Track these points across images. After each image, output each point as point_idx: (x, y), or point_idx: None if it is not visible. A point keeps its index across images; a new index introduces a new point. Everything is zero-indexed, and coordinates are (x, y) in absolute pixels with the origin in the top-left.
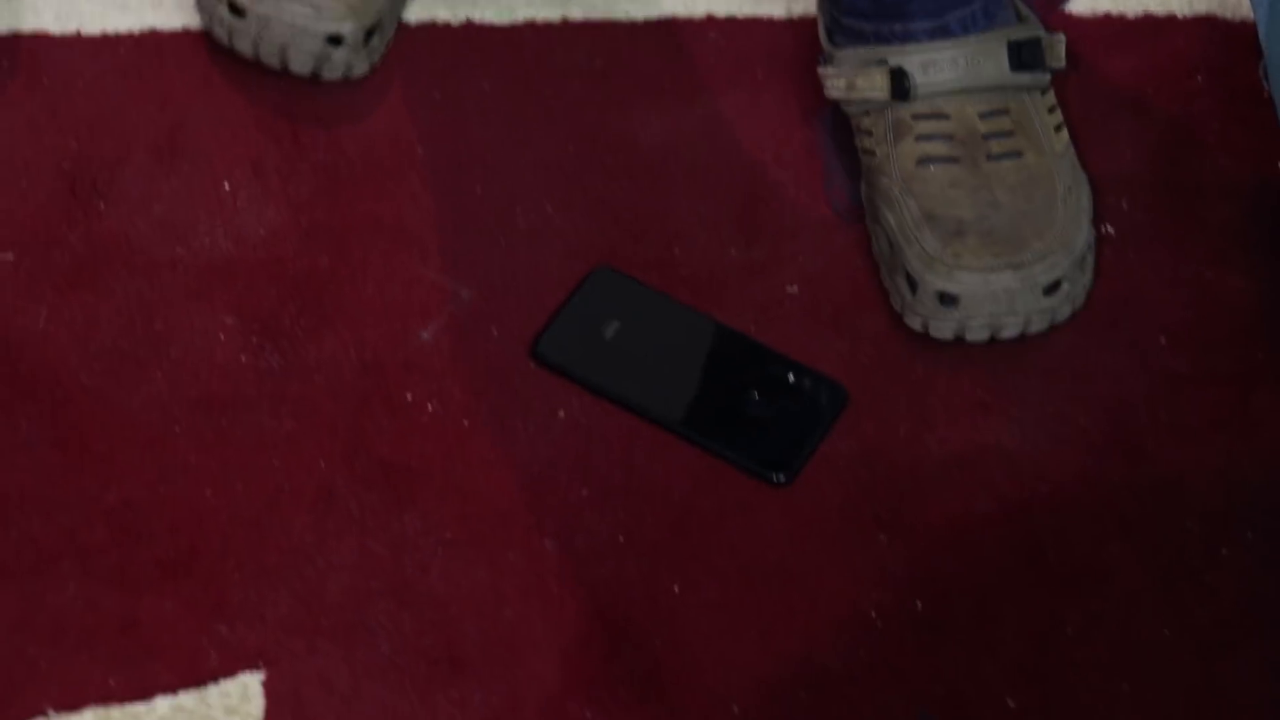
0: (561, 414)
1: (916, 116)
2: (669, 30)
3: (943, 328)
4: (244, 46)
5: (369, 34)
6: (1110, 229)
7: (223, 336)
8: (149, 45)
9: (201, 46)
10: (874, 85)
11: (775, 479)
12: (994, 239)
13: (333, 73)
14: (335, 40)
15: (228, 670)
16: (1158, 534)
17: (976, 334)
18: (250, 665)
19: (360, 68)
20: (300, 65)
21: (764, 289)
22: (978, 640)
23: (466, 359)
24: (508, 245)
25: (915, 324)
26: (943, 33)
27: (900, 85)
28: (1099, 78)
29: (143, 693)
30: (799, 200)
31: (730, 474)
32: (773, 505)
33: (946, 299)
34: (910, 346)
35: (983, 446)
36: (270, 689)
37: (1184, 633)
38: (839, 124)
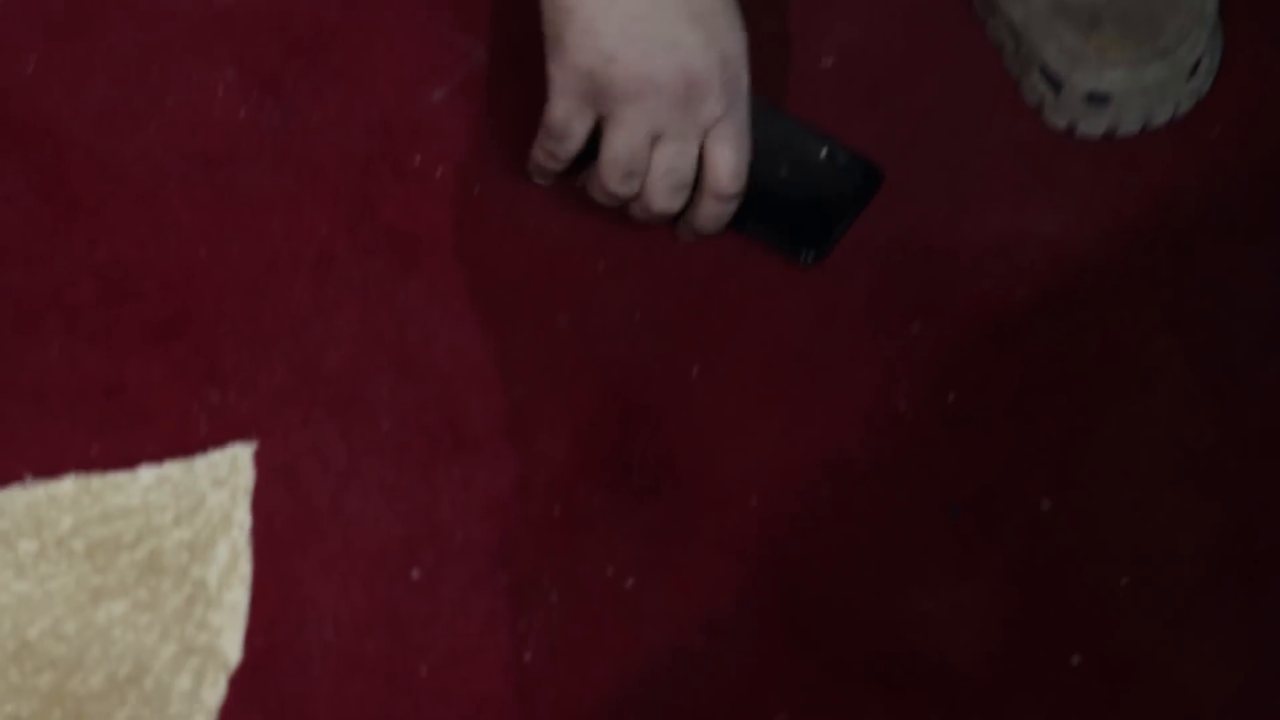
0: (580, 182)
1: None
2: None
3: (1094, 126)
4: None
5: None
6: None
7: (222, 90)
8: None
9: None
10: None
11: (803, 259)
12: (1131, 23)
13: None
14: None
15: (217, 440)
16: (1205, 334)
17: (1129, 128)
18: (241, 435)
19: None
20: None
21: (797, 60)
22: (1012, 437)
23: (481, 122)
24: (529, 1)
25: (1060, 123)
26: None
27: None
28: None
29: (126, 460)
30: None
31: (756, 254)
32: (800, 288)
33: (1096, 98)
34: (950, 125)
35: (1024, 232)
36: (262, 461)
37: (1229, 437)
38: None
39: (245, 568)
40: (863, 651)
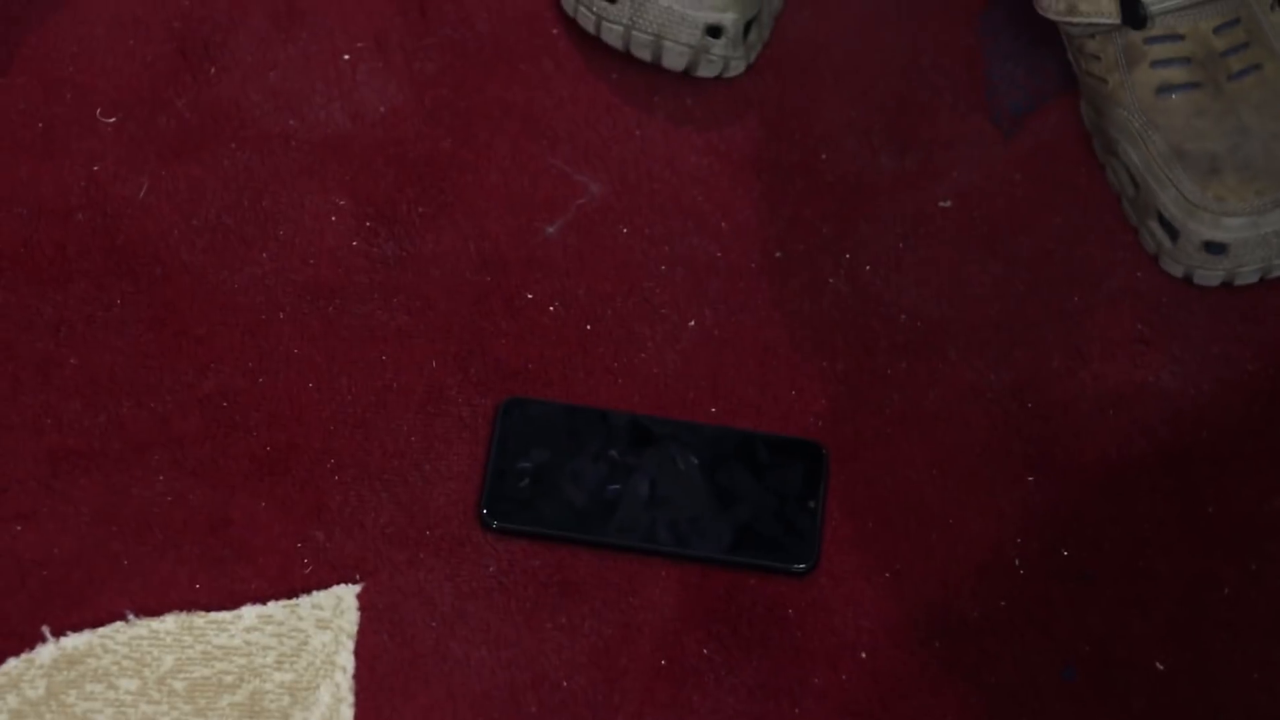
0: (692, 323)
1: (1150, 40)
2: None
3: (1210, 276)
4: (613, 39)
5: (748, 26)
6: None
7: (334, 219)
8: None
9: None
10: (1100, 10)
11: (797, 570)
12: (1252, 172)
13: (709, 70)
14: (715, 31)
15: (321, 581)
16: None
17: (1247, 279)
18: (346, 576)
19: (737, 67)
20: (674, 60)
21: (915, 201)
22: (1127, 595)
23: (593, 258)
24: (643, 137)
25: (1176, 272)
26: None
27: (1133, 11)
28: None
29: (230, 600)
30: (957, 108)
31: (875, 398)
32: (917, 434)
33: (1214, 247)
34: (1070, 273)
35: (1141, 386)
36: (366, 603)
37: None
38: (1006, 28)
39: (347, 713)
40: None
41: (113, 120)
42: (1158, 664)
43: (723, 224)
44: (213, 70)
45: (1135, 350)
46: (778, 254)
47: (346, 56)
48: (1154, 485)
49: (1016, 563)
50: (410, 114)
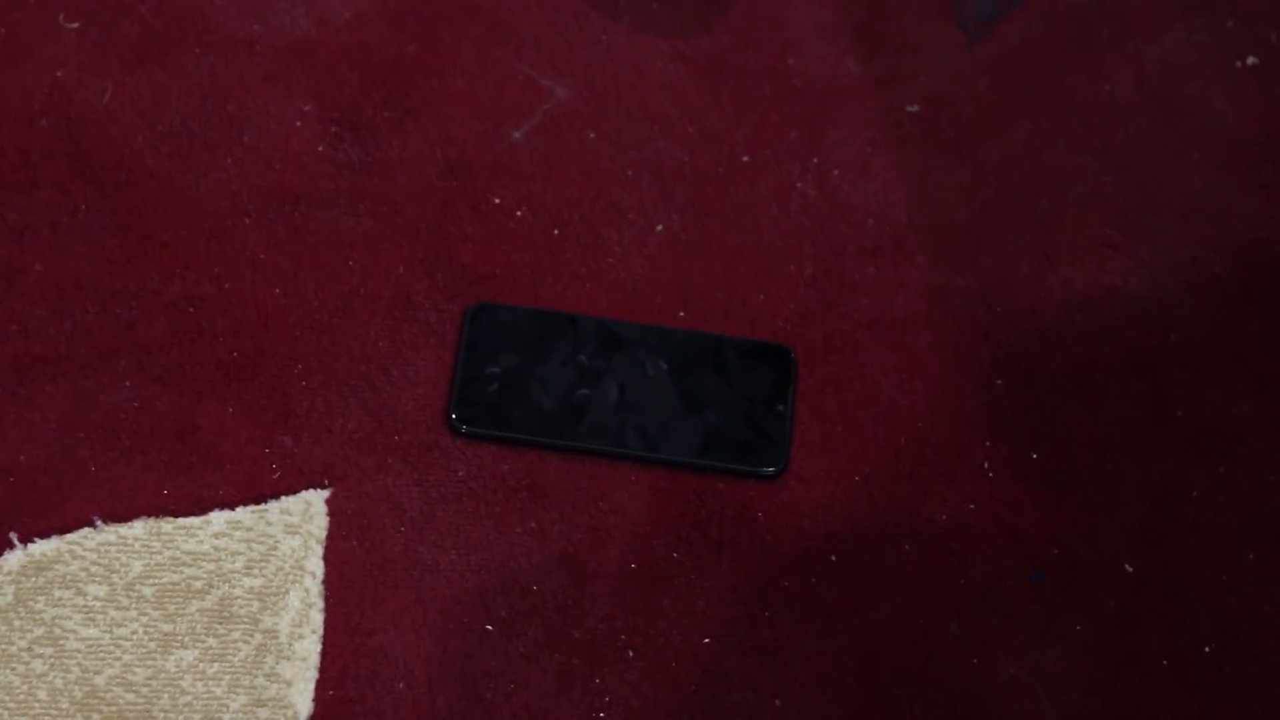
0: (660, 228)
1: None
2: None
3: None
4: None
5: None
6: (1255, 60)
7: (299, 124)
8: None
9: None
10: None
11: (766, 473)
12: None
13: None
14: None
15: (290, 486)
16: None
17: None
18: (314, 482)
19: None
20: None
21: (882, 105)
22: (1096, 498)
23: (560, 163)
24: (609, 42)
25: None
26: None
27: None
28: None
29: (198, 505)
30: (924, 14)
31: (844, 308)
32: (885, 341)
33: None
34: (1038, 178)
35: (1109, 290)
36: (335, 508)
37: None
38: None
39: (317, 618)
40: (946, 717)
41: (76, 25)
42: (1127, 566)
43: (690, 129)
44: None
45: (1103, 255)
46: (745, 158)
47: None
48: (1122, 389)
49: (985, 466)
50: (375, 19)
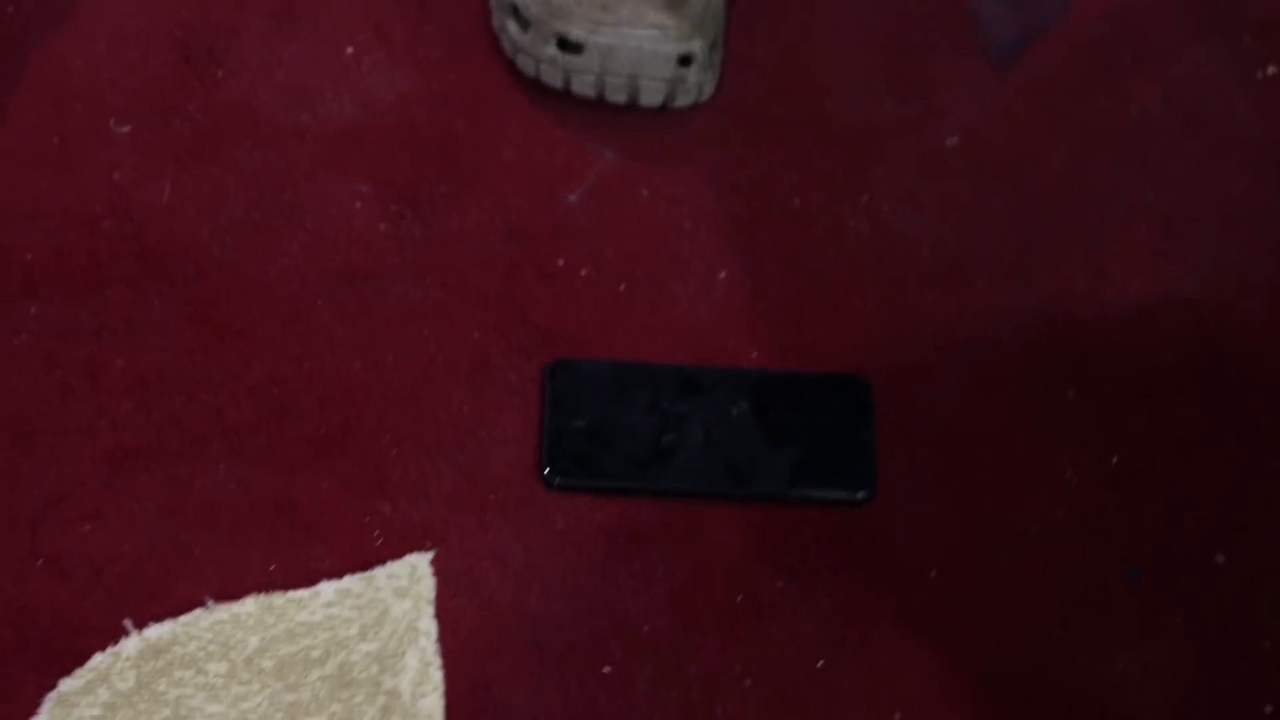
0: (723, 274)
1: None
2: None
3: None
4: (585, 89)
5: (712, 48)
6: (1275, 69)
7: (359, 205)
8: None
9: None
10: None
11: (858, 499)
12: None
13: (686, 99)
14: (686, 60)
15: (393, 550)
16: None
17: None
18: (417, 545)
19: (709, 89)
20: (651, 97)
21: (922, 142)
22: (1179, 495)
23: (617, 221)
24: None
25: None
26: None
27: None
28: None
29: (306, 578)
30: (952, 52)
31: (911, 334)
32: (953, 363)
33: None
34: (1081, 197)
35: (1164, 297)
36: (440, 568)
37: None
38: None
39: (436, 675)
40: (1063, 716)
41: (127, 129)
42: (1218, 557)
43: (740, 179)
44: (220, 74)
45: (1154, 263)
46: (796, 202)
47: (350, 50)
48: (1190, 389)
49: (1068, 474)
50: (420, 99)
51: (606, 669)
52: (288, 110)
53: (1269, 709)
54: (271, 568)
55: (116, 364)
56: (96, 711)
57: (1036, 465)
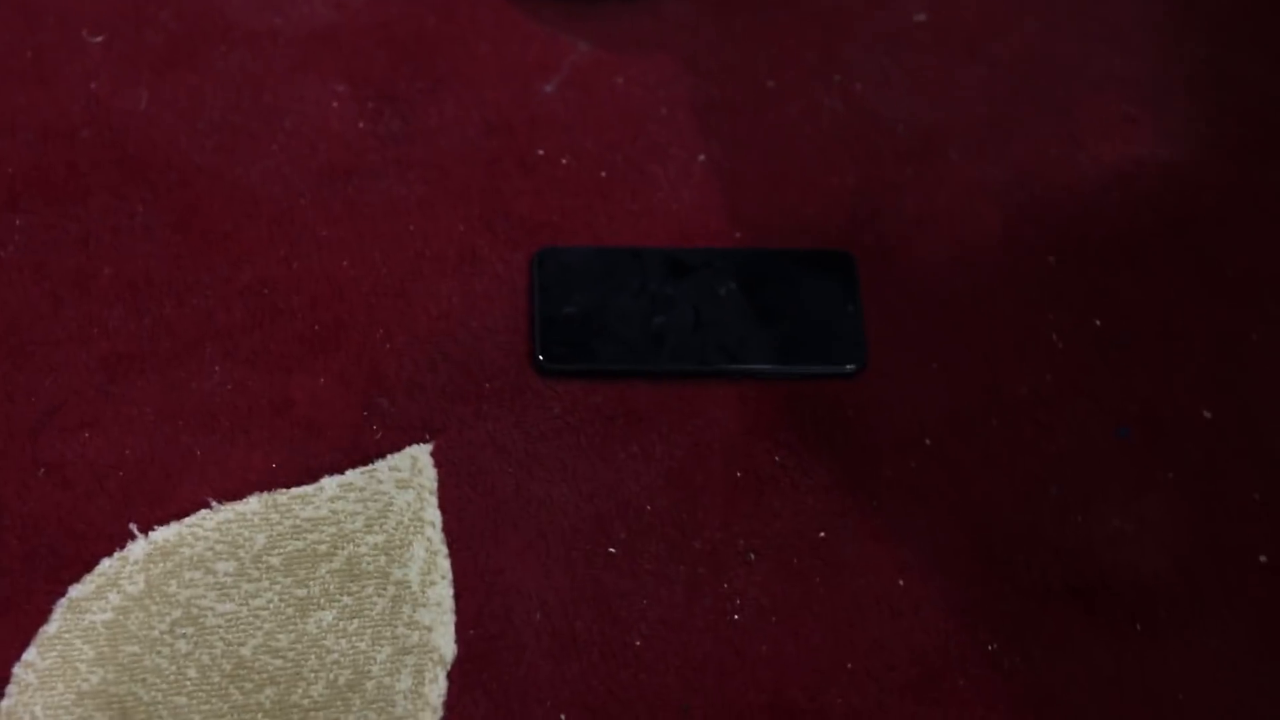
0: (702, 158)
1: None
2: None
3: None
4: None
5: None
6: None
7: (336, 104)
8: None
9: None
10: None
11: (848, 370)
12: None
13: None
14: None
15: (393, 443)
16: None
17: None
18: (416, 437)
19: None
20: None
21: (891, 19)
22: (1163, 355)
23: (594, 110)
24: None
25: None
26: None
27: None
28: None
29: (308, 474)
30: None
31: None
32: (935, 233)
33: None
34: (1051, 67)
35: (1138, 160)
36: (441, 458)
37: None
38: None
39: (444, 564)
40: (1059, 575)
41: (100, 39)
42: (1204, 413)
43: (712, 64)
44: None
45: (1125, 129)
46: (770, 83)
47: None
48: (1167, 251)
49: (1054, 338)
50: None
51: (612, 549)
52: (259, 13)
53: (1264, 558)
54: (273, 465)
55: (104, 272)
56: (108, 615)
57: (1022, 331)
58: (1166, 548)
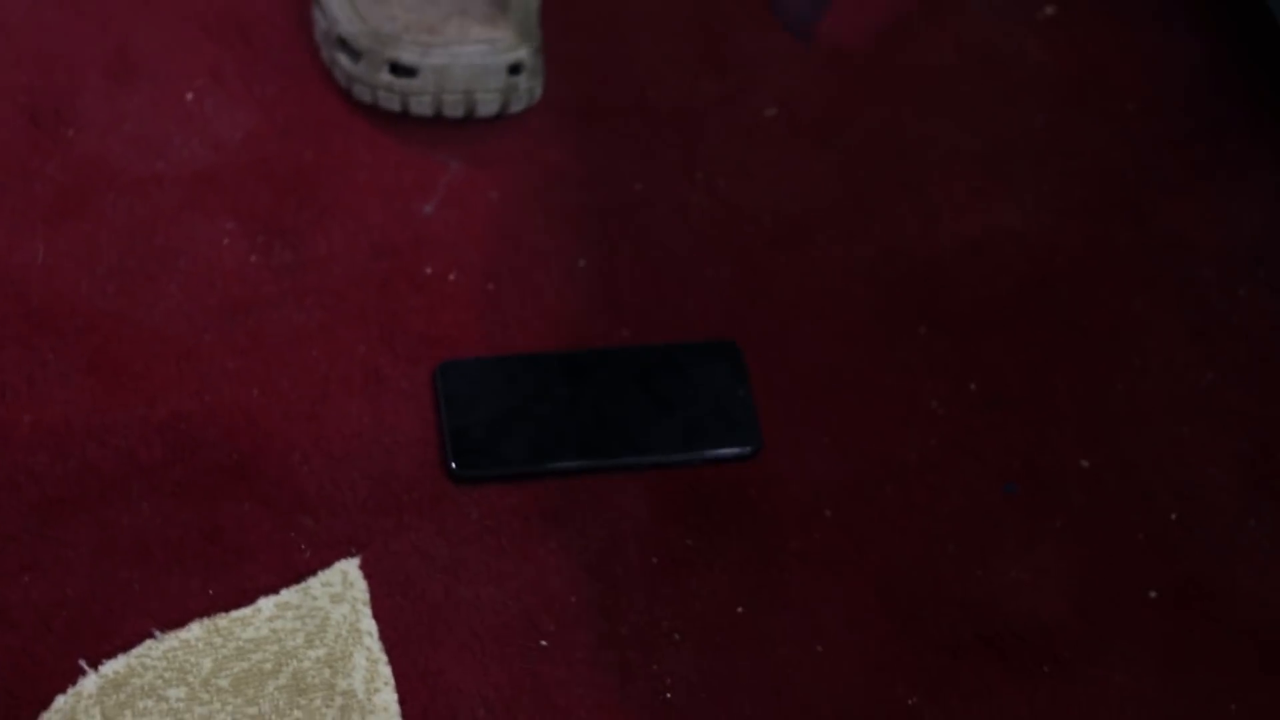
0: (582, 262)
1: None
2: None
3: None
4: (423, 109)
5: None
6: (1053, 9)
7: (227, 241)
8: None
9: None
10: None
11: (746, 453)
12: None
13: (519, 105)
14: (516, 69)
15: (323, 561)
16: (1176, 286)
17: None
18: (343, 552)
19: (537, 91)
20: (488, 108)
21: (743, 114)
22: (1037, 410)
23: (473, 225)
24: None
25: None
26: None
27: None
28: None
29: (245, 597)
30: (756, 28)
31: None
32: (812, 311)
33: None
34: (899, 148)
35: (991, 230)
36: (369, 570)
37: (1224, 371)
38: None
39: (385, 670)
40: (967, 627)
41: None
42: (1083, 462)
43: (581, 172)
44: (70, 133)
45: (976, 200)
46: (638, 186)
47: (190, 95)
48: (1028, 311)
49: (933, 404)
50: (266, 134)
51: (544, 642)
52: (142, 159)
53: (1153, 594)
54: (210, 591)
55: (25, 420)
56: None
57: (903, 400)
58: (1063, 592)
